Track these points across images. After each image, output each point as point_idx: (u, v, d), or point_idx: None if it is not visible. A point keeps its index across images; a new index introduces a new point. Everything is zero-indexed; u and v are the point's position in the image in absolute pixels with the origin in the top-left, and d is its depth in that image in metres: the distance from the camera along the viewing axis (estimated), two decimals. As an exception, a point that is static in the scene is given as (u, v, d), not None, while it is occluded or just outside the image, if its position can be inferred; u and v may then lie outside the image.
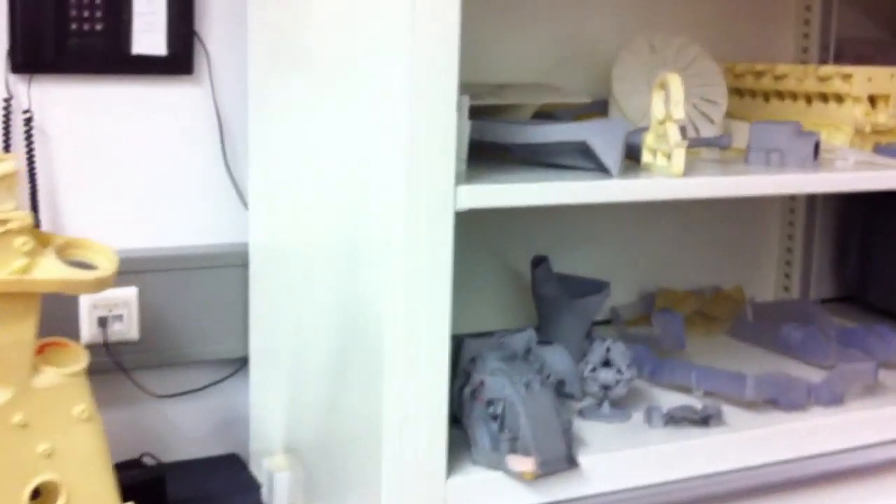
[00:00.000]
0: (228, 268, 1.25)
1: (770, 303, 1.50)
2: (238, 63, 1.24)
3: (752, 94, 1.42)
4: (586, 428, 1.08)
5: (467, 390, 0.98)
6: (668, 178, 0.98)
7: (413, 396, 0.90)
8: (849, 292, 1.65)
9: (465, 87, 1.18)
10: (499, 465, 0.96)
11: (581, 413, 1.12)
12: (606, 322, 1.48)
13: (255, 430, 1.28)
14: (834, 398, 1.16)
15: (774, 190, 1.03)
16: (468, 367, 0.99)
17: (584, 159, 1.00)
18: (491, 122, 1.04)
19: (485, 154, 1.11)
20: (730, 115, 1.43)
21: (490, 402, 0.98)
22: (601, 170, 0.99)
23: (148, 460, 1.23)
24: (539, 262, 1.26)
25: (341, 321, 0.98)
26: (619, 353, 1.10)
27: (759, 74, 1.40)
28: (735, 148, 1.23)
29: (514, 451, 0.96)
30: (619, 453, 1.02)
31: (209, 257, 1.24)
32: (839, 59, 1.57)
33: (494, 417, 0.97)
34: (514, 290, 1.40)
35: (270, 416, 1.22)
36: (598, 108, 1.31)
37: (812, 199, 1.61)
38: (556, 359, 1.15)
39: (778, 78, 1.37)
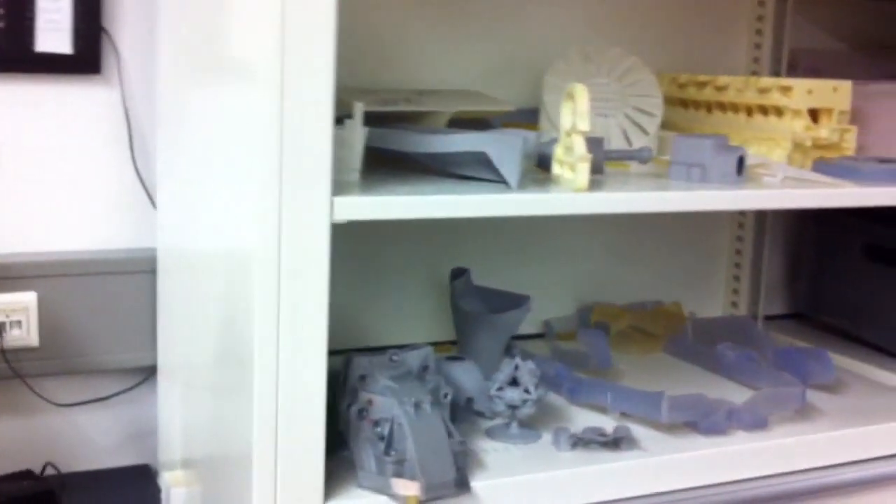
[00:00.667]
0: (136, 273, 1.21)
1: (710, 319, 1.45)
2: (150, 63, 1.20)
3: (696, 105, 1.38)
4: (491, 449, 1.04)
5: (354, 409, 0.94)
6: (568, 193, 0.94)
7: (287, 415, 0.86)
8: (799, 309, 1.61)
9: (382, 93, 1.14)
10: (384, 489, 0.91)
11: (489, 433, 1.08)
12: (539, 336, 1.43)
13: (163, 442, 1.24)
14: (757, 422, 1.12)
15: (680, 207, 0.98)
16: (357, 385, 0.95)
17: (487, 170, 0.96)
18: (392, 129, 1.00)
19: (399, 164, 1.06)
20: (673, 126, 1.39)
21: (377, 423, 0.93)
22: (504, 181, 0.95)
23: (49, 471, 1.19)
24: (458, 274, 1.21)
25: (222, 333, 0.94)
26: (527, 371, 1.05)
27: (701, 85, 1.35)
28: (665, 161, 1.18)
29: (399, 474, 0.91)
30: (517, 478, 0.97)
31: (115, 262, 1.20)
32: (792, 70, 1.53)
33: (381, 438, 0.92)
34: (442, 302, 1.35)
35: (174, 428, 1.17)
36: (529, 117, 1.27)
37: (762, 214, 1.56)
38: (466, 375, 1.11)
39: (719, 89, 1.32)
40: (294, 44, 0.80)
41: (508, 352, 1.22)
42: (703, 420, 1.09)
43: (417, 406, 0.93)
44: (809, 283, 1.57)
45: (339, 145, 0.93)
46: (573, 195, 0.93)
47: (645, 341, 1.40)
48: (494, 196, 0.90)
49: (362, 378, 0.96)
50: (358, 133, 0.93)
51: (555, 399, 1.18)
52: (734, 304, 1.57)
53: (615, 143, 1.23)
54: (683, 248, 1.53)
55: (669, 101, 1.39)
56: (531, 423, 1.09)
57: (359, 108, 0.93)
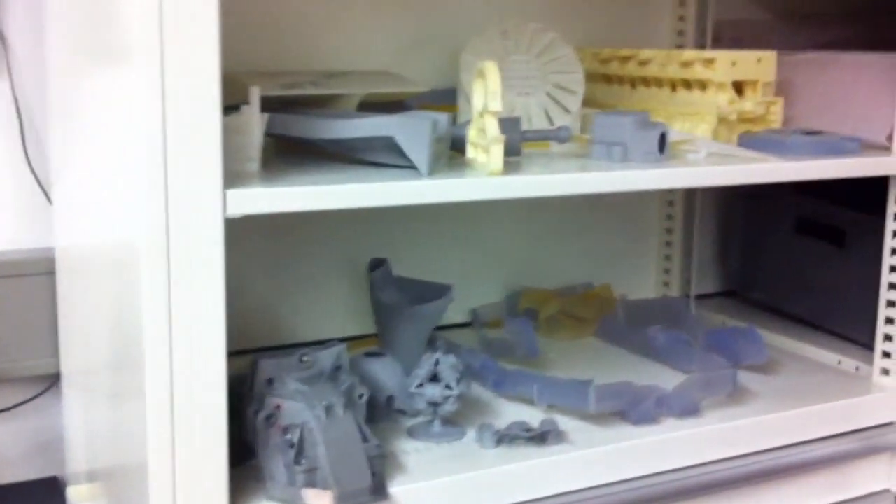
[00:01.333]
0: (34, 276, 1.13)
1: (642, 301, 1.41)
2: (39, 52, 1.13)
3: (620, 80, 1.33)
4: (412, 450, 0.99)
5: (262, 416, 0.88)
6: (481, 177, 0.89)
7: (184, 423, 0.80)
8: (731, 287, 1.58)
9: (287, 76, 1.07)
10: (294, 501, 0.86)
11: (410, 432, 1.03)
12: (466, 325, 1.38)
13: (70, 453, 1.17)
14: (688, 409, 1.08)
15: (599, 188, 0.94)
16: (264, 390, 0.89)
17: (397, 156, 0.90)
18: (294, 115, 0.93)
19: (309, 152, 1.00)
20: (596, 103, 1.35)
21: (286, 429, 0.88)
22: (414, 167, 0.89)
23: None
24: (376, 265, 1.16)
25: (115, 337, 0.88)
26: (448, 366, 1.00)
27: (624, 60, 1.31)
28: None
29: (311, 483, 0.86)
30: (438, 480, 0.92)
31: (11, 264, 1.12)
32: (717, 43, 1.49)
33: (291, 446, 0.87)
34: (363, 294, 1.29)
35: (79, 438, 1.11)
36: (446, 98, 1.22)
37: (691, 192, 1.53)
38: (385, 372, 1.06)
39: (642, 63, 1.28)
40: (174, 24, 0.74)
41: (432, 344, 1.17)
42: (632, 409, 1.05)
43: (329, 410, 0.88)
44: (741, 260, 1.54)
45: (234, 133, 0.87)
46: (486, 179, 0.88)
47: (575, 326, 1.36)
48: (401, 183, 0.84)
49: (269, 382, 0.90)
50: (254, 119, 0.87)
51: (480, 392, 1.14)
52: (666, 284, 1.54)
53: (537, 122, 1.18)
54: (612, 228, 1.49)
55: (592, 78, 1.34)
56: (454, 420, 1.04)
57: (255, 93, 0.87)
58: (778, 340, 1.35)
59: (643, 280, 1.54)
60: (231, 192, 0.78)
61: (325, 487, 0.85)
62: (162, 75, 0.74)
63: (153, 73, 0.74)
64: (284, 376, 0.90)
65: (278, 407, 0.88)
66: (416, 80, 1.19)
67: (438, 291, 1.14)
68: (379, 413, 1.05)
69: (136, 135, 0.76)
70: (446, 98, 1.21)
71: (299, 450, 0.87)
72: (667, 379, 1.19)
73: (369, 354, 1.08)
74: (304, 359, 0.92)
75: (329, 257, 1.28)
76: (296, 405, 0.88)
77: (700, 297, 1.55)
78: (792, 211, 1.43)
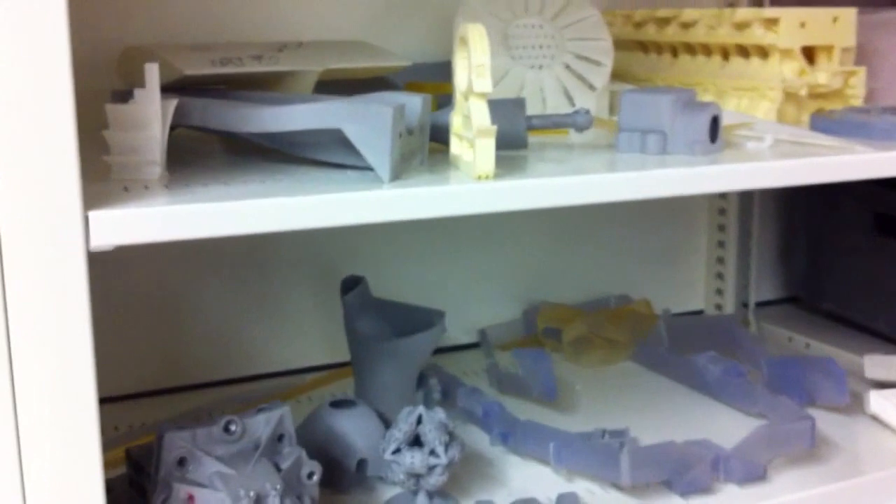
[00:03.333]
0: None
1: (688, 319, 1.17)
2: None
3: (658, 48, 1.08)
4: (387, 536, 0.75)
5: (169, 510, 0.65)
6: (465, 184, 0.64)
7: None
8: (795, 293, 1.32)
9: (225, 49, 0.83)
10: None
11: (387, 509, 0.79)
12: (473, 346, 1.14)
13: None
14: (752, 473, 0.83)
15: (630, 194, 0.69)
16: (172, 473, 0.66)
17: (356, 155, 0.66)
18: (214, 100, 0.70)
19: (257, 151, 0.77)
20: (630, 76, 1.09)
21: (202, 529, 0.65)
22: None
23: None
24: (351, 284, 0.92)
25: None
26: (434, 425, 0.76)
27: (662, 22, 1.05)
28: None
29: None
30: (415, 588, 0.69)
31: None
32: (778, 1, 1.23)
33: (210, 552, 0.64)
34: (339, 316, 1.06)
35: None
36: (438, 73, 0.97)
37: (748, 181, 1.27)
38: (358, 428, 0.82)
39: (686, 26, 1.03)
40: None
41: (422, 382, 0.93)
42: (678, 477, 0.81)
43: (259, 501, 0.64)
44: (807, 263, 1.28)
45: (125, 128, 0.64)
46: (470, 186, 0.63)
47: (607, 350, 1.12)
48: (347, 196, 0.60)
49: (181, 462, 0.66)
50: (152, 108, 0.63)
51: (484, 446, 0.90)
52: (719, 292, 1.29)
53: (553, 103, 0.93)
54: (652, 228, 1.24)
55: (623, 46, 1.09)
56: (445, 491, 0.80)
57: (151, 71, 0.63)
58: (854, 363, 1.09)
59: (690, 288, 1.28)
60: (96, 216, 0.54)
61: None
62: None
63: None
64: (200, 454, 0.67)
65: (190, 498, 0.65)
66: (395, 51, 0.95)
67: (428, 319, 0.90)
68: (347, 481, 0.81)
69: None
70: (438, 73, 0.97)
71: (219, 558, 0.64)
72: (722, 422, 0.95)
73: (336, 404, 0.84)
74: (231, 428, 0.68)
75: (299, 273, 1.05)
76: (214, 495, 0.65)
77: (760, 304, 1.30)
78: (869, 205, 1.17)
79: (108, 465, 0.85)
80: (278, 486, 0.65)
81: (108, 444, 0.88)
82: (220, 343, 1.03)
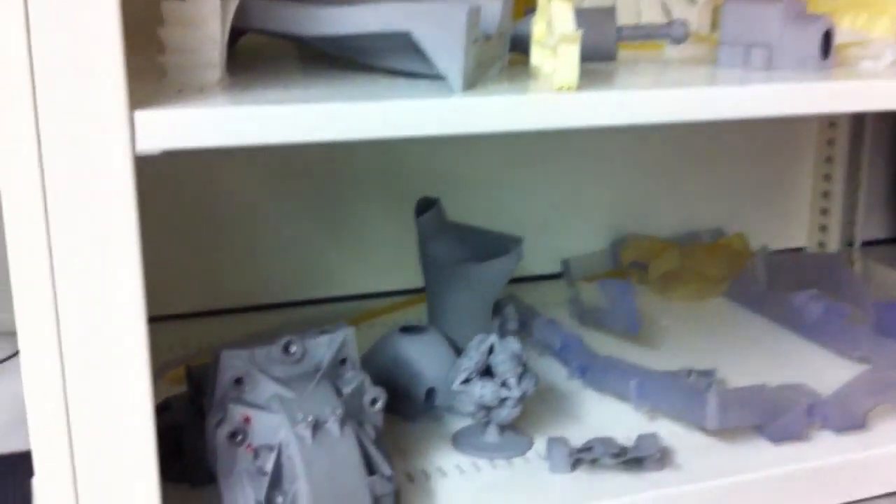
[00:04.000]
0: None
1: (787, 255, 1.09)
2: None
3: (769, -41, 0.99)
4: (454, 469, 0.71)
5: (224, 431, 0.61)
6: (545, 95, 0.58)
7: (88, 433, 0.54)
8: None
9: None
10: (264, 555, 0.60)
11: (456, 440, 0.75)
12: (556, 277, 1.09)
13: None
14: (851, 421, 0.77)
15: (730, 112, 0.62)
16: (228, 394, 0.63)
17: (428, 62, 0.61)
18: (278, 2, 0.65)
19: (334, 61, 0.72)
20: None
21: (257, 452, 0.61)
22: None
23: None
24: (425, 206, 0.87)
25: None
26: (508, 356, 0.72)
27: (775, -70, 0.96)
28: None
29: (287, 533, 0.60)
30: (480, 525, 0.65)
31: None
32: None
33: (264, 475, 0.61)
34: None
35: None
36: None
37: (859, 115, 1.17)
38: (427, 354, 0.78)
39: (801, -66, 0.93)
40: None
41: (498, 311, 0.89)
42: (770, 421, 0.75)
43: (318, 426, 0.61)
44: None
45: (180, 27, 0.59)
46: (552, 98, 0.58)
47: (698, 286, 1.05)
48: (403, 104, 0.55)
49: (237, 382, 0.63)
50: (212, 5, 0.59)
51: (560, 380, 0.85)
52: (822, 229, 1.20)
53: (648, 16, 0.86)
54: (751, 157, 1.16)
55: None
56: (517, 426, 0.76)
57: (209, -35, 0.58)
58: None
59: (791, 224, 1.20)
60: (142, 116, 0.50)
61: (306, 540, 0.59)
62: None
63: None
64: (258, 375, 0.63)
65: (247, 420, 0.62)
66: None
67: (505, 245, 0.85)
68: (415, 410, 0.78)
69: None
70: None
71: (274, 482, 0.60)
72: (820, 366, 0.88)
73: (406, 330, 0.80)
74: (291, 349, 0.65)
75: (373, 193, 1.01)
76: (271, 418, 0.61)
77: (866, 244, 1.21)
78: None
79: (169, 383, 0.83)
80: (338, 411, 0.61)
81: (168, 364, 0.86)
82: (288, 263, 0.99)
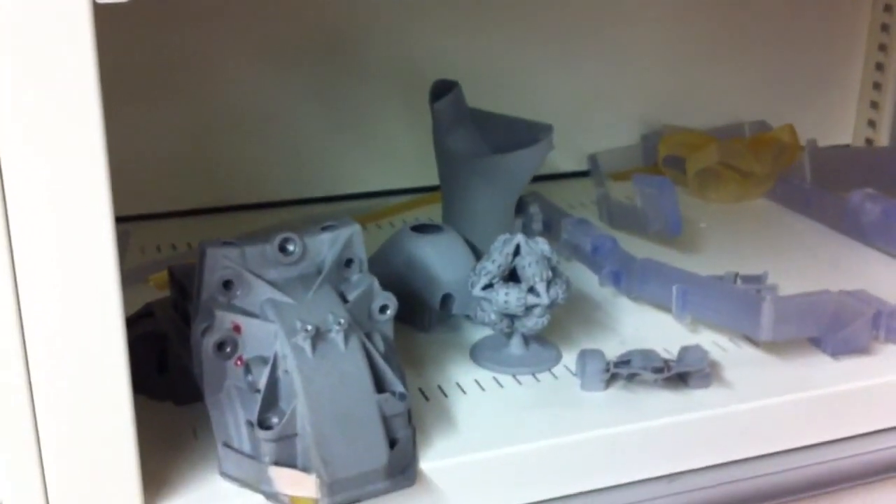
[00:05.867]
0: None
1: (838, 150, 0.99)
2: None
3: None
4: (472, 386, 0.63)
5: (211, 340, 0.53)
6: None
7: (48, 361, 0.46)
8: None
9: None
10: (257, 484, 0.52)
11: (474, 352, 0.67)
12: (582, 175, 0.99)
13: None
14: (920, 333, 0.68)
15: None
16: (215, 298, 0.54)
17: None
18: None
19: None
20: None
21: (248, 366, 0.53)
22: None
23: None
24: (442, 90, 0.77)
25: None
26: (536, 258, 0.63)
27: None
28: None
29: (286, 459, 0.51)
30: (505, 449, 0.57)
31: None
32: None
33: (257, 391, 0.52)
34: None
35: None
36: None
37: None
38: (443, 255, 0.69)
39: None
40: None
41: (520, 211, 0.80)
42: (830, 333, 0.66)
43: (319, 336, 0.52)
44: None
45: None
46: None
47: (740, 184, 0.95)
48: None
49: (226, 286, 0.54)
50: None
51: (591, 287, 0.76)
52: (871, 124, 1.10)
53: None
54: (800, 45, 1.05)
55: None
56: (544, 337, 0.67)
57: None
58: None
59: (839, 118, 1.10)
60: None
61: (307, 468, 0.51)
62: None
63: None
64: (250, 277, 0.54)
65: (237, 328, 0.53)
66: None
67: (531, 133, 0.75)
68: (430, 319, 0.69)
69: None
70: None
71: (268, 401, 0.52)
72: (879, 272, 0.80)
73: (418, 229, 0.71)
74: (289, 246, 0.56)
75: (384, 79, 0.91)
76: (265, 327, 0.53)
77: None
78: None
79: (156, 288, 0.75)
80: (342, 320, 0.53)
81: (152, 266, 0.77)
82: (286, 156, 0.90)
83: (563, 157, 0.98)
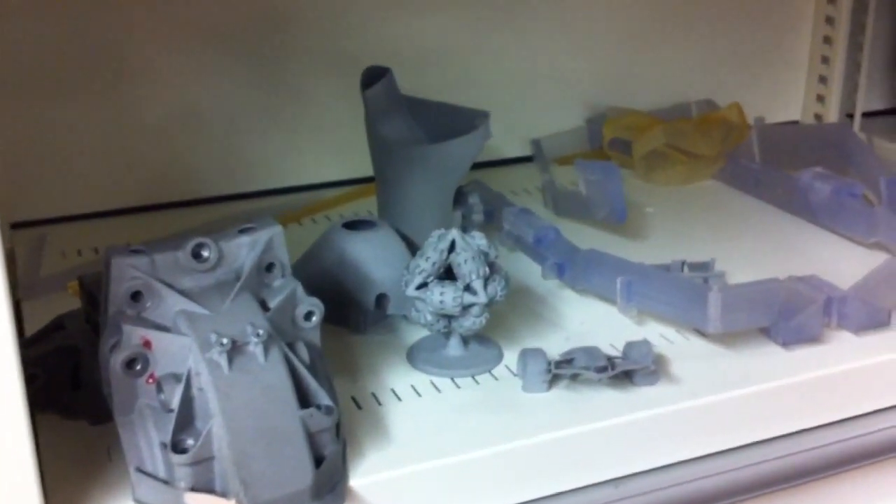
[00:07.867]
0: None
1: (787, 128, 0.97)
2: None
3: None
4: (408, 391, 0.60)
5: (119, 357, 0.49)
6: None
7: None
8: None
9: None
10: (174, 510, 0.49)
11: (411, 354, 0.64)
12: (525, 160, 0.96)
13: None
14: (873, 318, 0.66)
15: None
16: (124, 310, 0.50)
17: None
18: None
19: None
20: None
21: (161, 384, 0.49)
22: None
23: None
24: (373, 77, 0.73)
25: None
26: (472, 254, 0.60)
27: None
28: None
29: (202, 483, 0.48)
30: (442, 459, 0.54)
31: None
32: None
33: (170, 411, 0.49)
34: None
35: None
36: None
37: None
38: (377, 254, 0.66)
39: None
40: None
41: (460, 202, 0.76)
42: (782, 322, 0.64)
43: (237, 349, 0.49)
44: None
45: None
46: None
47: (688, 166, 0.93)
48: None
49: (135, 296, 0.50)
50: None
51: (534, 280, 0.73)
52: (820, 100, 1.08)
53: None
54: (745, 21, 1.03)
55: None
56: (485, 335, 0.64)
57: None
58: None
59: (786, 94, 1.08)
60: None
61: (226, 492, 0.48)
62: None
63: None
64: (161, 287, 0.50)
65: (147, 343, 0.49)
66: None
67: (468, 121, 0.72)
68: (364, 320, 0.66)
69: None
70: None
71: (182, 422, 0.48)
72: (831, 255, 0.77)
73: (352, 225, 0.67)
74: (203, 252, 0.52)
75: (314, 67, 0.87)
76: (177, 341, 0.49)
77: (868, 115, 1.09)
78: None
79: (73, 295, 0.70)
80: (261, 331, 0.49)
81: (70, 272, 0.73)
82: (211, 150, 0.86)
83: (506, 143, 0.95)
